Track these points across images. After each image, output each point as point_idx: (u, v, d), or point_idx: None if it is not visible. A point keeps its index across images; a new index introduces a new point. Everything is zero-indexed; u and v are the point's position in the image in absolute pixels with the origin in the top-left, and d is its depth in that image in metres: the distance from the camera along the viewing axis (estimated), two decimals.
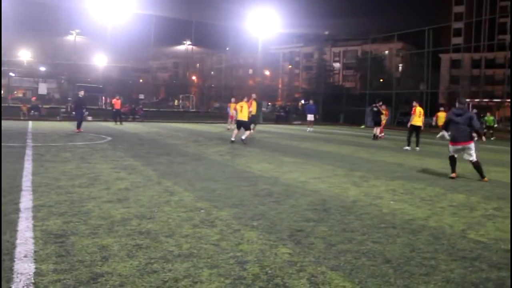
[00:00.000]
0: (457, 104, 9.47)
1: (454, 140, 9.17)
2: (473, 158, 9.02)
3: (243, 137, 15.53)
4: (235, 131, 16.49)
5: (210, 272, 3.66)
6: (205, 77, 68.21)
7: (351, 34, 77.97)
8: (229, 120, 25.00)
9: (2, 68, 55.48)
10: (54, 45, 49.79)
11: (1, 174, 7.17)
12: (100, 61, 50.93)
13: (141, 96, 52.35)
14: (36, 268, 3.62)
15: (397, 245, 4.57)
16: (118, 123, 27.85)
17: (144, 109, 39.39)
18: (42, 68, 57.74)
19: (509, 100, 46.97)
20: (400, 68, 65.28)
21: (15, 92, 59.20)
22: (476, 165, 9.06)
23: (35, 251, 4.00)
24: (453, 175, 9.22)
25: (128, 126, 26.70)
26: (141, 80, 68.78)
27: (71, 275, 3.51)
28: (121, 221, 5.05)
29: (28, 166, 8.99)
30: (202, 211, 5.65)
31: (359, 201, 6.71)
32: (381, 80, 56.69)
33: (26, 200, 5.90)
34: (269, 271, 3.74)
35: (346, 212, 5.93)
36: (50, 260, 3.81)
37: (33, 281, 3.38)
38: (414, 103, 16.98)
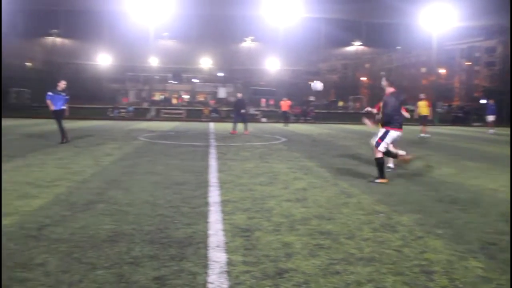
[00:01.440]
0: None
1: None
2: None
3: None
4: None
5: (394, 279, 3.53)
6: (375, 77, 66.70)
7: None
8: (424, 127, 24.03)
9: (187, 75, 61.48)
10: (231, 52, 53.61)
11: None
12: (273, 65, 53.22)
13: (312, 98, 53.28)
14: (227, 258, 3.90)
15: None
16: (288, 124, 28.74)
17: (315, 110, 40.02)
18: (220, 74, 62.51)
19: None
20: None
21: (197, 96, 64.93)
22: None
23: (225, 242, 4.31)
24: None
25: (300, 128, 27.41)
26: (310, 82, 70.09)
27: (258, 268, 3.69)
28: (302, 220, 5.17)
29: (213, 163, 9.79)
30: (382, 214, 5.50)
31: None
32: None
33: (214, 195, 6.41)
34: (460, 285, 3.46)
35: None
36: (239, 252, 4.06)
37: (226, 269, 3.64)
38: None
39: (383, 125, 7.95)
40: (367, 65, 67.42)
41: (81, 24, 45.60)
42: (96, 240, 4.28)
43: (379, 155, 7.88)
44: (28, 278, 3.38)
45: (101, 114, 37.82)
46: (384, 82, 8.22)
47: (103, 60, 51.19)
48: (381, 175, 7.81)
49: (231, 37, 51.43)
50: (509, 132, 27.71)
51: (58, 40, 48.86)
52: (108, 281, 3.35)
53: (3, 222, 4.84)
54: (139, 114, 39.89)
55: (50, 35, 51.93)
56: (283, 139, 17.33)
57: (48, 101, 13.40)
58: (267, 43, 55.04)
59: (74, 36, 50.00)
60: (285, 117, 29.73)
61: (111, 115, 36.99)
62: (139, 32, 43.77)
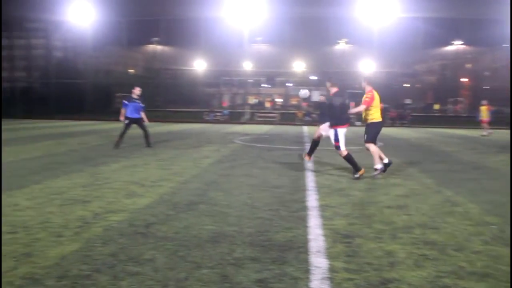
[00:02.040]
0: None
1: None
2: None
3: None
4: None
5: None
6: (478, 78, 62.67)
7: None
8: (484, 125, 24.16)
9: (280, 79, 61.98)
10: (324, 55, 53.17)
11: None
12: (367, 67, 51.99)
13: (408, 101, 51.33)
14: (329, 264, 3.83)
15: None
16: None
17: (413, 114, 38.51)
18: (313, 77, 62.18)
19: None
20: None
21: (291, 99, 65.09)
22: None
23: (326, 248, 4.24)
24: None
25: (397, 132, 26.50)
26: (407, 85, 67.56)
27: (361, 276, 3.58)
28: (404, 228, 4.96)
29: (309, 168, 9.73)
30: (494, 226, 5.12)
31: None
32: None
33: (312, 200, 6.36)
34: None
35: None
36: (340, 258, 3.98)
37: (328, 276, 3.58)
38: None
39: (331, 126, 8.49)
40: (468, 65, 63.55)
41: (179, 32, 47.71)
42: (199, 240, 4.41)
43: (344, 153, 8.46)
44: (139, 272, 3.56)
45: (197, 118, 39.22)
46: (327, 83, 8.84)
47: (199, 65, 53.11)
48: (356, 168, 8.27)
49: (324, 39, 51.03)
50: None
51: (158, 47, 51.42)
52: (212, 281, 3.43)
53: (114, 218, 5.17)
54: (234, 117, 40.87)
55: (151, 43, 54.84)
56: (380, 144, 16.78)
57: (123, 110, 13.18)
58: (361, 45, 53.89)
59: (173, 43, 52.41)
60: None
61: (207, 118, 38.24)
62: (233, 37, 44.87)
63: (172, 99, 48.85)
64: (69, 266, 3.68)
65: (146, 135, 13.49)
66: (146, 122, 13.53)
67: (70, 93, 43.07)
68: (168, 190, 6.88)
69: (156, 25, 43.05)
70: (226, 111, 41.34)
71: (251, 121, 38.36)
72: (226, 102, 50.76)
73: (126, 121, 13.17)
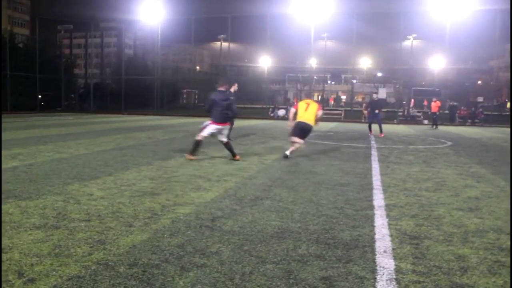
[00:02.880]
0: None
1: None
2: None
3: None
4: None
5: None
6: None
7: None
8: None
9: (346, 76, 61.06)
10: (392, 51, 51.76)
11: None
12: (437, 64, 50.13)
13: (480, 99, 49.00)
14: (396, 265, 3.73)
15: None
16: (435, 126, 26.87)
17: (485, 112, 36.72)
18: (380, 74, 60.80)
19: None
20: None
21: (356, 97, 64.05)
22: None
23: (393, 248, 4.14)
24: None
25: (468, 131, 25.39)
26: (479, 82, 64.51)
27: (430, 279, 3.46)
28: (476, 232, 4.75)
29: (375, 166, 9.54)
30: None
31: None
32: None
33: (378, 199, 6.23)
34: None
35: None
36: (408, 260, 3.87)
37: (394, 277, 3.49)
38: None
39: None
40: None
41: (245, 29, 48.27)
42: (264, 235, 4.44)
43: (199, 138, 9.75)
44: (205, 264, 3.64)
45: (262, 114, 39.46)
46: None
47: (264, 62, 53.45)
48: (192, 152, 9.74)
49: (392, 35, 49.69)
50: None
51: (225, 44, 52.23)
52: (277, 276, 3.44)
53: (181, 211, 5.31)
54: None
55: (218, 40, 55.83)
56: (449, 143, 16.19)
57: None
58: (431, 40, 52.12)
59: (239, 40, 53.19)
60: (433, 119, 27.76)
61: (271, 115, 38.36)
62: (299, 33, 44.78)
63: (237, 95, 49.56)
64: (139, 255, 3.83)
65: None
66: None
67: (140, 89, 44.70)
68: (233, 185, 6.98)
69: (223, 22, 43.66)
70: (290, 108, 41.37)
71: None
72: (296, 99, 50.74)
73: None
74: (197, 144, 9.88)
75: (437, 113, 27.95)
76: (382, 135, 18.44)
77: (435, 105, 27.64)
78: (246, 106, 46.08)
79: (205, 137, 9.88)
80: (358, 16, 40.93)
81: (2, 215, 5.00)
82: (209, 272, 3.49)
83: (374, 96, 20.40)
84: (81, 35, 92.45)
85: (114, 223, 4.75)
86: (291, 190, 6.65)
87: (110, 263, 3.63)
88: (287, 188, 6.80)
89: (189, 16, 43.95)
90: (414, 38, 54.24)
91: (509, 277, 3.55)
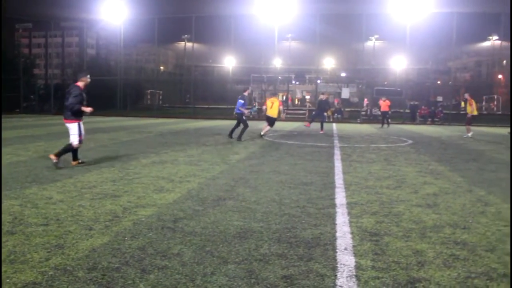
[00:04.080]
0: None
1: None
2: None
3: None
4: None
5: None
6: None
7: None
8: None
9: (310, 76, 61.74)
10: (355, 51, 52.56)
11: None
12: (398, 64, 51.25)
13: (439, 99, 50.32)
14: (356, 262, 3.80)
15: None
16: (386, 125, 27.43)
17: (444, 111, 37.75)
18: (343, 74, 61.63)
19: None
20: None
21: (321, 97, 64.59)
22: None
23: (353, 246, 4.21)
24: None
25: (428, 130, 26.05)
26: (438, 82, 66.31)
27: (389, 275, 3.54)
28: (433, 228, 4.88)
29: (338, 164, 9.67)
30: None
31: None
32: None
33: (340, 197, 6.32)
34: None
35: None
36: (368, 256, 3.94)
37: (354, 273, 3.55)
38: None
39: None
40: (504, 62, 61.82)
41: (210, 29, 48.04)
42: (227, 236, 4.43)
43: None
44: (167, 266, 3.61)
45: (226, 114, 39.39)
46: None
47: (229, 62, 53.37)
48: (59, 154, 8.57)
49: (355, 36, 50.40)
50: None
51: (189, 44, 51.88)
52: (239, 276, 3.45)
53: (143, 213, 5.25)
54: (262, 114, 40.81)
55: (182, 40, 55.41)
56: (410, 141, 16.57)
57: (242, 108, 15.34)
58: (392, 41, 53.14)
59: (203, 40, 52.86)
60: (383, 118, 28.27)
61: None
62: (263, 34, 44.85)
63: (201, 96, 49.24)
64: (99, 258, 3.76)
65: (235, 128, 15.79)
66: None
67: (102, 90, 43.85)
68: (196, 186, 6.95)
69: (187, 23, 43.34)
70: (254, 108, 41.34)
71: (280, 118, 38.30)
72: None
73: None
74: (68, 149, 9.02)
75: (389, 112, 28.45)
76: (322, 132, 20.19)
77: (384, 104, 28.07)
78: (211, 106, 45.88)
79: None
80: (322, 17, 41.38)
81: None
82: (170, 273, 3.47)
83: (322, 97, 21.73)
84: (41, 34, 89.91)
85: (73, 227, 4.65)
86: (254, 190, 6.67)
87: (68, 267, 3.55)
88: (250, 188, 6.81)
89: (152, 16, 43.40)
90: (376, 39, 55.33)
91: (464, 270, 3.67)
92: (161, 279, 3.37)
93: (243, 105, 15.43)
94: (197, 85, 47.02)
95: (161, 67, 68.50)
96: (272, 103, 16.20)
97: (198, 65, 55.33)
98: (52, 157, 8.48)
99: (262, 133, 16.32)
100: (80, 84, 8.62)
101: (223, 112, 40.58)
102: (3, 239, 4.24)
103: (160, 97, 53.23)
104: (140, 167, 8.77)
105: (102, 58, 61.71)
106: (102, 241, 4.20)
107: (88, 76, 8.73)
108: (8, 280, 3.31)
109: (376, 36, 55.11)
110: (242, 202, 5.88)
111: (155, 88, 53.34)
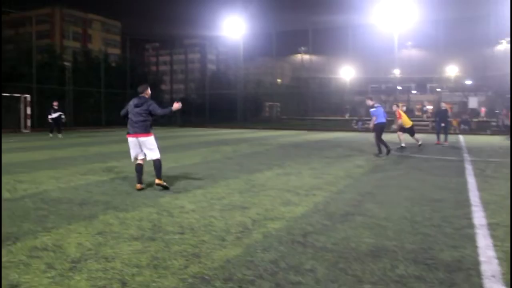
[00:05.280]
0: None
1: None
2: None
3: None
4: None
5: None
6: None
7: None
8: None
9: (431, 85, 58.70)
10: (482, 57, 49.00)
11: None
12: None
13: None
14: None
15: None
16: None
17: None
18: (469, 82, 57.77)
19: None
20: None
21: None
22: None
23: (502, 274, 3.82)
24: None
25: None
26: None
27: None
28: None
29: (471, 180, 8.98)
30: None
31: None
32: None
33: (478, 217, 5.82)
34: None
35: None
36: None
37: None
38: None
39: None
40: None
41: (326, 40, 47.95)
42: (359, 253, 4.29)
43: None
44: (300, 282, 3.57)
45: (345, 126, 38.89)
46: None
47: (346, 73, 52.76)
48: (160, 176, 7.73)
49: (482, 40, 46.98)
50: None
51: (305, 57, 52.25)
52: None
53: (272, 225, 5.30)
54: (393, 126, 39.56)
55: (299, 52, 55.98)
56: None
57: (374, 117, 13.96)
58: None
59: (320, 52, 52.91)
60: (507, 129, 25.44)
61: (355, 127, 37.65)
62: (382, 43, 43.68)
63: (319, 107, 49.16)
64: (234, 269, 3.85)
65: (380, 143, 14.18)
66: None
67: (223, 103, 45.77)
68: (322, 200, 6.87)
69: (303, 35, 43.70)
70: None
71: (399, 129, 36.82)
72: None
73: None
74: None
75: None
76: (446, 143, 19.56)
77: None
78: (328, 118, 45.58)
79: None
80: (444, 22, 39.23)
81: (103, 225, 5.27)
82: None
83: (443, 106, 20.63)
84: (166, 52, 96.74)
85: (207, 237, 4.83)
86: (382, 206, 6.42)
87: (206, 277, 3.68)
88: (378, 204, 6.57)
89: (270, 30, 44.48)
90: (508, 42, 51.06)
91: None
92: None
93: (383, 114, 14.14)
94: (315, 96, 46.99)
95: (279, 80, 69.80)
96: (400, 113, 16.21)
97: (315, 76, 55.42)
98: (158, 181, 7.71)
99: (403, 144, 15.55)
100: (146, 96, 8.02)
101: (341, 124, 40.14)
102: (145, 244, 4.53)
103: (278, 109, 54.19)
104: (265, 179, 8.91)
105: (222, 73, 64.41)
106: (235, 253, 4.30)
107: (149, 87, 8.17)
108: (154, 284, 3.52)
109: (507, 39, 50.88)
110: (371, 218, 5.67)
111: (273, 100, 54.45)
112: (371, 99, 14.70)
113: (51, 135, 23.37)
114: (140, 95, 7.91)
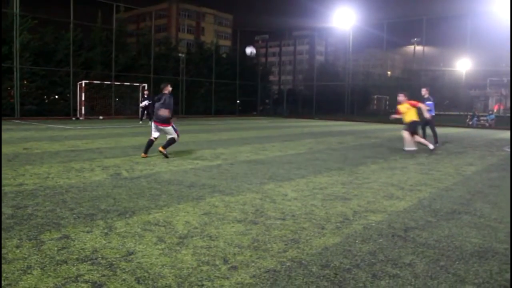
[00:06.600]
0: None
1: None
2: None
3: None
4: None
5: None
6: None
7: None
8: None
9: None
10: None
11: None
12: None
13: None
14: None
15: None
16: None
17: None
18: None
19: None
20: None
21: None
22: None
23: None
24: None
25: None
26: None
27: None
28: None
29: None
30: None
31: None
32: None
33: None
34: None
35: None
36: None
37: None
38: None
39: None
40: None
41: (442, 31, 45.61)
42: (463, 253, 4.13)
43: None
44: (398, 275, 3.54)
45: (458, 122, 36.72)
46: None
47: (462, 65, 49.62)
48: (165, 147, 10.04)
49: None
50: None
51: (418, 48, 50.01)
52: None
53: (373, 218, 5.26)
54: (501, 122, 36.78)
55: (411, 44, 53.75)
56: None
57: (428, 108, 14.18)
58: None
59: (434, 43, 50.51)
60: None
61: (470, 123, 35.40)
62: (505, 32, 40.46)
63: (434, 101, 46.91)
64: (331, 257, 3.91)
65: (435, 133, 14.90)
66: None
67: (330, 95, 45.42)
68: (427, 196, 6.65)
69: (417, 25, 41.81)
70: (491, 116, 37.53)
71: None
72: (496, 106, 46.17)
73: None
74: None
75: None
76: None
77: None
78: (440, 113, 43.33)
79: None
80: None
81: (209, 206, 5.59)
82: (402, 283, 3.39)
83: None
84: (275, 44, 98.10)
85: (307, 224, 4.93)
86: (494, 206, 6.05)
87: (303, 261, 3.78)
88: (489, 204, 6.20)
89: (381, 21, 43.13)
90: None
91: None
92: (392, 287, 3.32)
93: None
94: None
95: (388, 72, 67.63)
96: None
97: (428, 69, 52.88)
98: (161, 149, 9.96)
99: None
100: (167, 92, 10.04)
101: (454, 120, 37.96)
102: (247, 227, 4.75)
103: (387, 103, 52.61)
104: (369, 172, 8.80)
105: (330, 64, 63.88)
106: (333, 241, 4.35)
107: (169, 85, 10.15)
108: (253, 264, 3.70)
109: None
110: (481, 218, 5.39)
111: (382, 93, 52.94)
112: (427, 89, 15.33)
113: (140, 122, 24.95)
114: (163, 91, 10.01)
